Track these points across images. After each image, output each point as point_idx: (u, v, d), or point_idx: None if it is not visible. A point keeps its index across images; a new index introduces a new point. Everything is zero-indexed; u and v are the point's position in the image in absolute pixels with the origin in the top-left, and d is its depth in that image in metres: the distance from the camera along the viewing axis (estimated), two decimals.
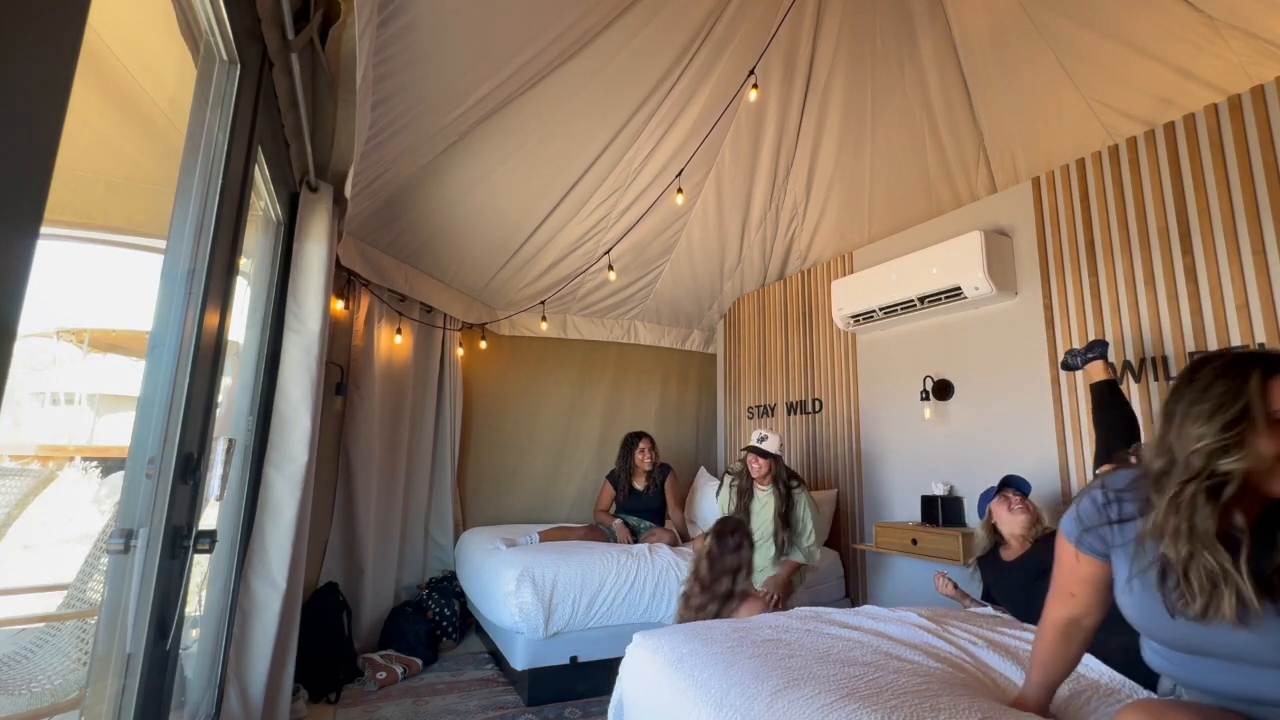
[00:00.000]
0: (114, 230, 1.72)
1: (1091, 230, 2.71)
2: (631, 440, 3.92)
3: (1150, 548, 1.08)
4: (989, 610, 2.26)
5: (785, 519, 3.01)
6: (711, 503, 4.23)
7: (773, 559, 2.99)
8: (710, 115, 3.17)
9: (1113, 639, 1.39)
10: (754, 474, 3.12)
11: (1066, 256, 2.79)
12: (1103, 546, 1.18)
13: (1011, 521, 2.25)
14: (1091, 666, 1.54)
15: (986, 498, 2.37)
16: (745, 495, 3.20)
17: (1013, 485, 2.33)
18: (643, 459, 3.85)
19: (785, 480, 3.09)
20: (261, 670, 2.00)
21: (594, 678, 2.83)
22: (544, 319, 4.54)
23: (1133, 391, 2.50)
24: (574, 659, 2.85)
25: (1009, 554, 2.25)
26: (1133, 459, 1.29)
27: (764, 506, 3.10)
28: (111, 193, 1.61)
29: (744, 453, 3.14)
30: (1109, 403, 2.29)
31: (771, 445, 3.06)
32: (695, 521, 4.30)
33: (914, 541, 2.99)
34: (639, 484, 3.87)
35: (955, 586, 2.43)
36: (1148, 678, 1.38)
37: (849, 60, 3.06)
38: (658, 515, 3.87)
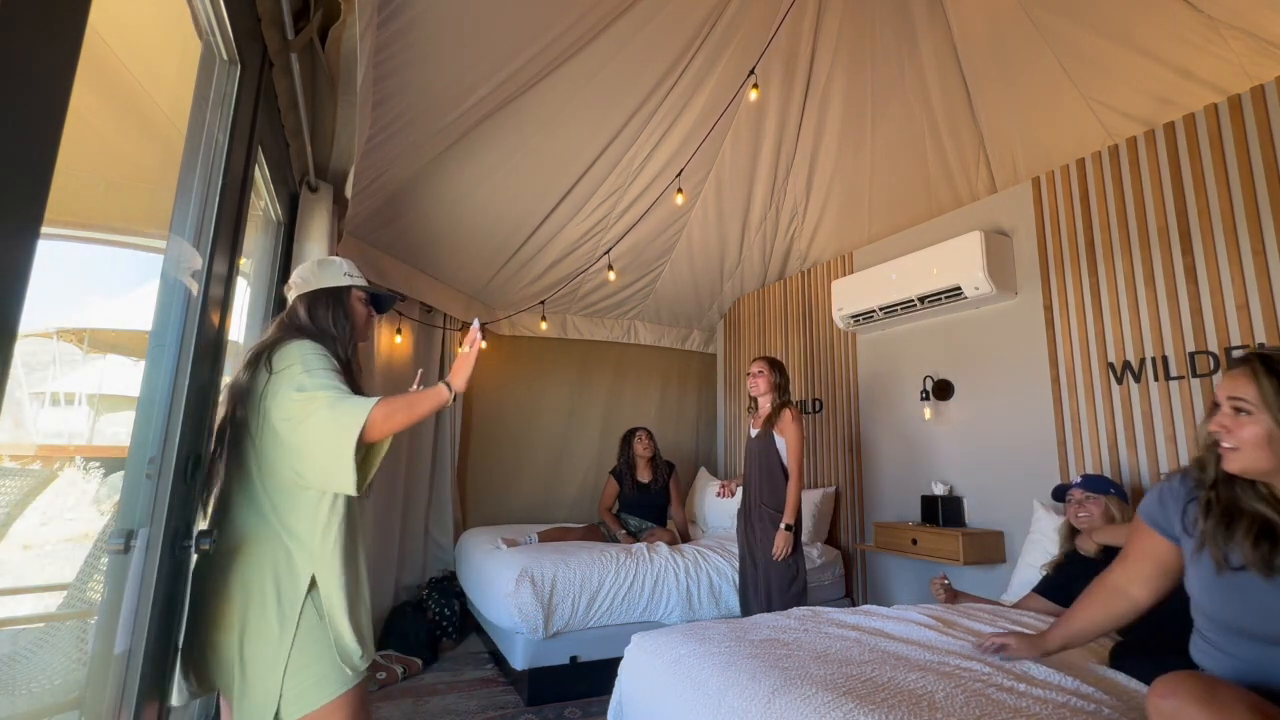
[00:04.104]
0: (114, 230, 1.72)
1: (1091, 230, 2.71)
2: (629, 435, 4.01)
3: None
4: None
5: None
6: (714, 502, 4.24)
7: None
8: (710, 115, 3.17)
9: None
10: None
11: (1066, 256, 2.79)
12: (1165, 522, 1.27)
13: (1079, 521, 2.15)
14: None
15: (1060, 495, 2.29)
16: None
17: (1077, 486, 2.20)
18: (641, 447, 3.92)
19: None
20: None
21: (594, 678, 2.83)
22: (544, 319, 4.53)
23: (1133, 391, 2.50)
24: (574, 659, 2.85)
25: (1085, 546, 2.11)
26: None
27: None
28: (111, 193, 1.61)
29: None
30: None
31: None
32: (696, 521, 4.30)
33: (914, 541, 3.00)
34: (643, 477, 3.90)
35: (948, 592, 2.30)
36: None
37: (849, 60, 3.06)
38: (661, 514, 3.88)
